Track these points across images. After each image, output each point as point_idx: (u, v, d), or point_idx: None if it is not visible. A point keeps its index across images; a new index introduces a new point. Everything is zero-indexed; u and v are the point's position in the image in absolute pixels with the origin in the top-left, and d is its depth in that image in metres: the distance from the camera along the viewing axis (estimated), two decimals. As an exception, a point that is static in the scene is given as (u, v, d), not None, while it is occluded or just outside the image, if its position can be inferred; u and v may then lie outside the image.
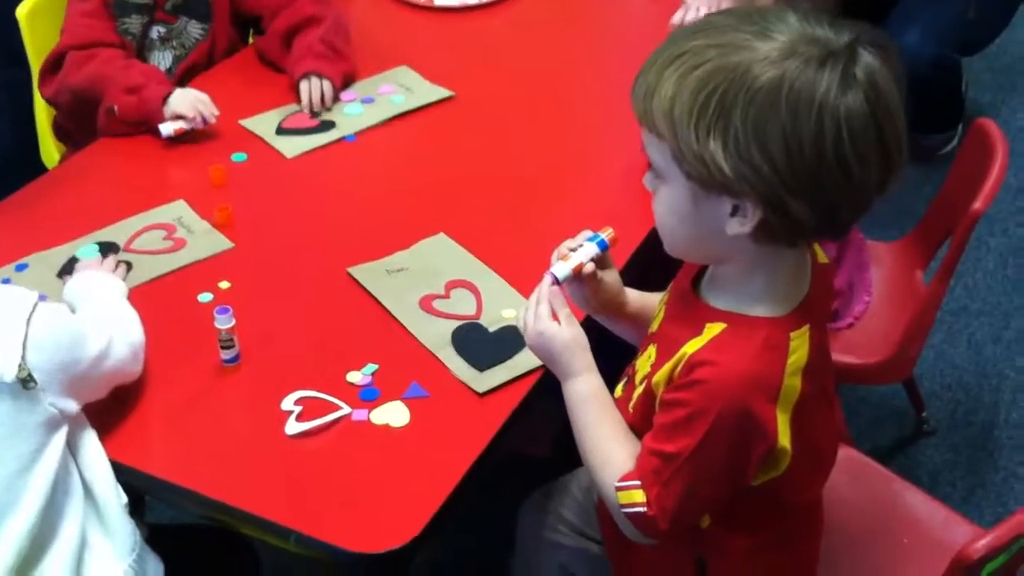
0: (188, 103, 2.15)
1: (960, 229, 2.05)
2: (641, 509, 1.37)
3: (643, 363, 1.46)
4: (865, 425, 2.59)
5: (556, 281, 1.47)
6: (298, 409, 1.59)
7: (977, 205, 2.01)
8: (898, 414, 2.65)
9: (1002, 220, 3.21)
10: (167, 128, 2.14)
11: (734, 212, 1.27)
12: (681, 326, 1.39)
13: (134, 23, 2.33)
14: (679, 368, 1.35)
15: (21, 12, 2.48)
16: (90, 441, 1.52)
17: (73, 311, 1.62)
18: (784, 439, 1.33)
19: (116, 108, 2.17)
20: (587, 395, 1.46)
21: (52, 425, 1.45)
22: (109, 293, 1.70)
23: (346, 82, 2.33)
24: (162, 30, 2.35)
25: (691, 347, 1.34)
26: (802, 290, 1.37)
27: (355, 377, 1.64)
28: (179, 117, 2.15)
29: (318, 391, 1.61)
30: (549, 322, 1.46)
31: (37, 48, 2.48)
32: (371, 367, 1.66)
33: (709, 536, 1.46)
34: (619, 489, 1.40)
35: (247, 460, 1.55)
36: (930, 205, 2.35)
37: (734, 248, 1.31)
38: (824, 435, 1.48)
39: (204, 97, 2.17)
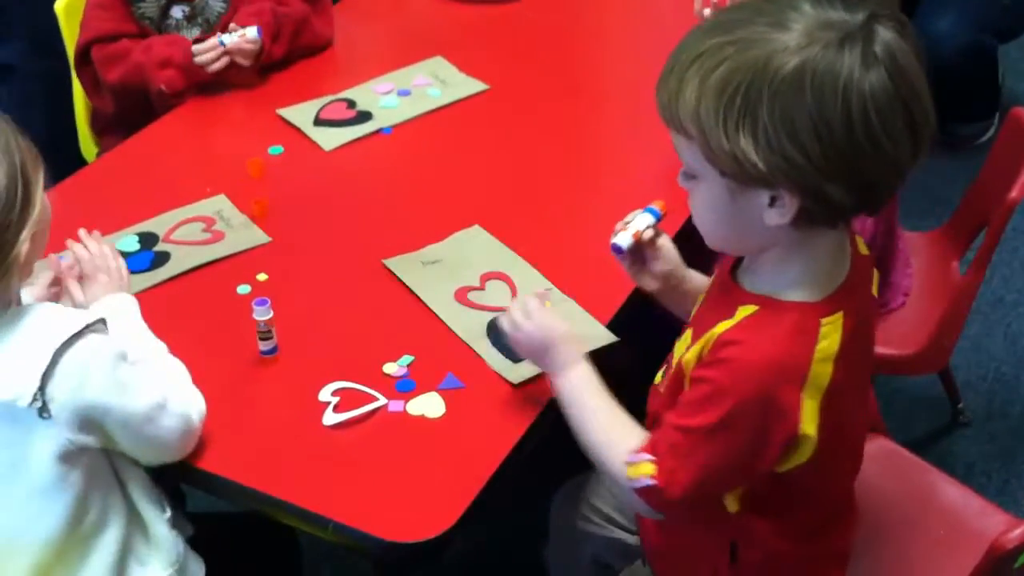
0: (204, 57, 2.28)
1: (996, 219, 2.05)
2: (650, 482, 1.38)
3: (679, 347, 1.47)
4: (900, 416, 2.58)
5: (619, 250, 1.51)
6: (335, 400, 1.60)
7: (1013, 194, 2.00)
8: (933, 405, 2.64)
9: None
10: (230, 38, 2.27)
11: (772, 203, 1.27)
12: (716, 309, 1.40)
13: (150, 6, 2.37)
14: (708, 347, 1.36)
15: (59, 6, 2.51)
16: (131, 462, 1.50)
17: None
18: (809, 426, 1.33)
19: (164, 87, 2.27)
20: (588, 380, 1.49)
21: (71, 456, 1.41)
22: (174, 365, 1.57)
23: (266, 67, 2.37)
24: (186, 9, 2.39)
25: (721, 327, 1.35)
26: (839, 277, 1.37)
27: (391, 368, 1.66)
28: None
29: (355, 382, 1.63)
30: (545, 313, 1.50)
31: (74, 41, 2.50)
32: (407, 358, 1.67)
33: (739, 522, 1.46)
34: (629, 464, 1.41)
35: (285, 450, 1.56)
36: (965, 195, 2.34)
37: (774, 237, 1.32)
38: (856, 425, 1.48)
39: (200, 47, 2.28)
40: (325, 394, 1.62)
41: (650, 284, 1.60)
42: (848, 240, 1.40)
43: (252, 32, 2.29)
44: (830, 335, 1.33)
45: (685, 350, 1.42)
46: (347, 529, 1.45)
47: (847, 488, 1.57)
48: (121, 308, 1.61)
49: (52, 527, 1.44)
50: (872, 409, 2.27)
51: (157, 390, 1.46)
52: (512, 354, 1.66)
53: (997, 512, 1.82)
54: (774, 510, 1.46)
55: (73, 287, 1.65)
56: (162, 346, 1.59)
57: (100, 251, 1.70)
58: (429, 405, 1.61)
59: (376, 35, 2.51)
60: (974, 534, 1.72)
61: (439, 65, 2.39)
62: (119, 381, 1.41)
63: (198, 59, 2.27)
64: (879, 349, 2.08)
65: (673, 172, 1.41)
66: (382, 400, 1.60)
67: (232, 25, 2.31)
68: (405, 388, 1.63)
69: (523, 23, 2.59)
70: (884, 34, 1.23)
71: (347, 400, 1.61)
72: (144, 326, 1.61)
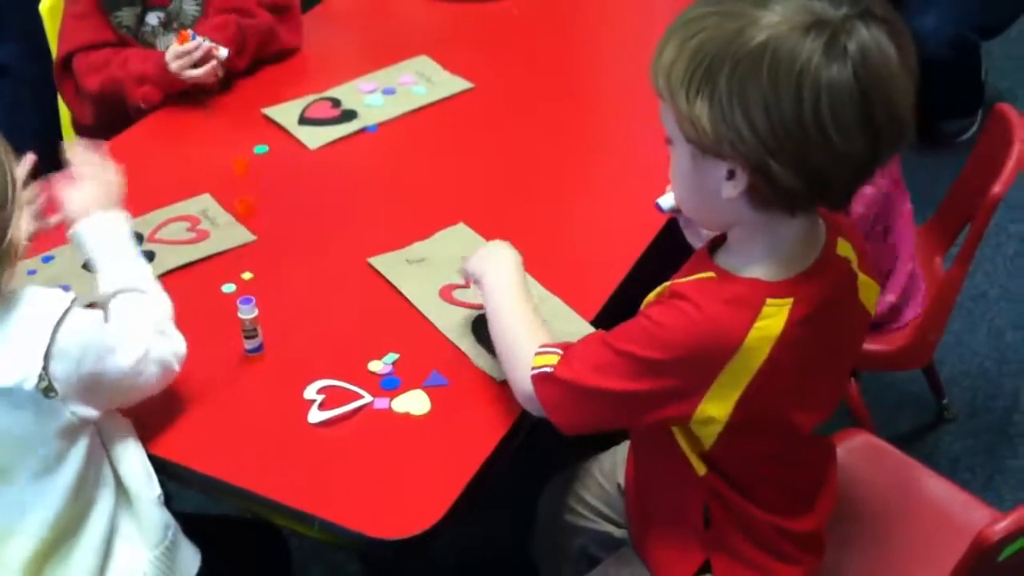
0: (176, 64, 2.24)
1: (980, 214, 2.06)
2: (547, 369, 1.45)
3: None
4: (885, 412, 2.59)
5: (660, 209, 1.56)
6: (320, 398, 1.61)
7: (996, 189, 2.01)
8: (918, 401, 2.65)
9: (1022, 206, 3.20)
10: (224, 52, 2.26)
11: (729, 176, 1.30)
12: (684, 271, 1.45)
13: (126, 15, 2.36)
14: (660, 293, 1.41)
15: (43, 7, 2.50)
16: (123, 432, 1.52)
17: (107, 310, 1.55)
18: (714, 408, 1.37)
19: (142, 103, 2.25)
20: (507, 286, 1.58)
21: (73, 430, 1.44)
22: (156, 302, 1.59)
23: (227, 75, 2.35)
24: (160, 15, 2.37)
25: (677, 281, 1.41)
26: (800, 266, 1.38)
27: (376, 366, 1.66)
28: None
29: (340, 380, 1.63)
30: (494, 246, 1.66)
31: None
32: (392, 356, 1.67)
33: (709, 484, 1.48)
34: (538, 353, 1.47)
35: (270, 448, 1.56)
36: (949, 191, 2.35)
37: (736, 212, 1.34)
38: (804, 421, 1.46)
39: (177, 48, 2.23)
40: (310, 392, 1.62)
41: (695, 243, 1.63)
42: (821, 234, 1.41)
43: (223, 52, 2.26)
44: (773, 317, 1.34)
45: None
46: (333, 526, 1.45)
47: (806, 478, 1.56)
48: (111, 231, 1.63)
49: (55, 505, 1.45)
50: (858, 404, 2.29)
51: (140, 343, 1.49)
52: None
53: (981, 506, 1.83)
54: (735, 478, 1.48)
55: (64, 196, 1.65)
56: (148, 276, 1.62)
57: (97, 158, 1.70)
58: (414, 402, 1.61)
59: (361, 34, 2.51)
60: (959, 528, 1.73)
61: (424, 64, 2.39)
62: (108, 346, 1.45)
63: (174, 64, 2.23)
64: (864, 345, 2.10)
65: (659, 168, 1.43)
66: (367, 398, 1.61)
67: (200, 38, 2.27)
68: (390, 386, 1.63)
69: (507, 21, 2.59)
70: (863, 32, 1.24)
71: (332, 398, 1.61)
72: (134, 251, 1.63)
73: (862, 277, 1.47)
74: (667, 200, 1.56)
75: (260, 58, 2.41)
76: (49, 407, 1.40)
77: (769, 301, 1.34)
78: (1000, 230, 3.12)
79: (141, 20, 2.37)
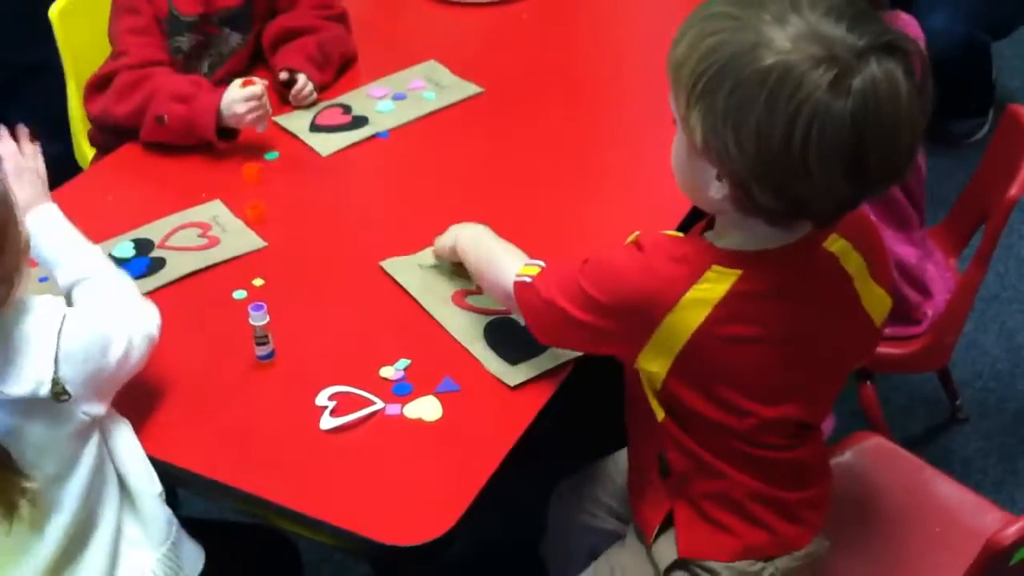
0: (244, 107, 2.11)
1: (996, 216, 2.05)
2: (527, 279, 1.54)
3: None
4: (897, 413, 2.58)
5: None
6: (332, 404, 1.61)
7: (1013, 191, 2.00)
8: (930, 402, 2.64)
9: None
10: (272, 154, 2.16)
11: (718, 177, 1.32)
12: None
13: (185, 41, 2.29)
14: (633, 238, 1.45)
15: (54, 12, 2.50)
16: (122, 433, 1.53)
17: (70, 295, 1.57)
18: (653, 365, 1.42)
19: (166, 117, 2.13)
20: (489, 231, 1.73)
21: (85, 431, 1.46)
22: (119, 282, 1.61)
23: (319, 89, 2.32)
24: (200, 38, 2.32)
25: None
26: (766, 246, 1.39)
27: (388, 372, 1.66)
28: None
29: (352, 386, 1.63)
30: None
31: (71, 46, 2.50)
32: (404, 362, 1.67)
33: (665, 429, 1.51)
34: (525, 264, 1.57)
35: (282, 455, 1.57)
36: (963, 192, 2.34)
37: (720, 207, 1.37)
38: (737, 391, 1.45)
39: (256, 90, 2.12)
40: (322, 398, 1.62)
41: None
42: (803, 230, 1.40)
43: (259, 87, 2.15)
44: (715, 282, 1.37)
45: None
46: (345, 533, 1.46)
47: (780, 459, 1.53)
48: (54, 223, 1.63)
49: (72, 509, 1.47)
50: (872, 407, 2.28)
51: (124, 327, 1.51)
52: (510, 357, 1.67)
53: (993, 509, 1.83)
54: (693, 430, 1.49)
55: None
56: (101, 259, 1.63)
57: (27, 149, 1.68)
58: (426, 408, 1.61)
59: (369, 40, 2.51)
60: (970, 531, 1.73)
61: (433, 68, 2.39)
62: (105, 340, 1.48)
63: (242, 107, 2.10)
64: (881, 348, 2.09)
65: (671, 173, 1.43)
66: (379, 404, 1.61)
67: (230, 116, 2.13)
68: (402, 392, 1.63)
69: (516, 25, 2.59)
70: (875, 69, 1.23)
71: (344, 404, 1.61)
72: (78, 236, 1.64)
73: (871, 285, 1.47)
74: None
75: (338, 68, 2.39)
76: (61, 411, 1.42)
77: (715, 267, 1.37)
78: (1012, 231, 3.11)
79: (199, 52, 2.32)
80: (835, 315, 1.47)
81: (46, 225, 1.62)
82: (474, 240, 1.72)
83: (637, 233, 1.45)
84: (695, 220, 1.54)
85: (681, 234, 1.46)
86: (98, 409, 1.47)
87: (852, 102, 1.21)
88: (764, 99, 1.22)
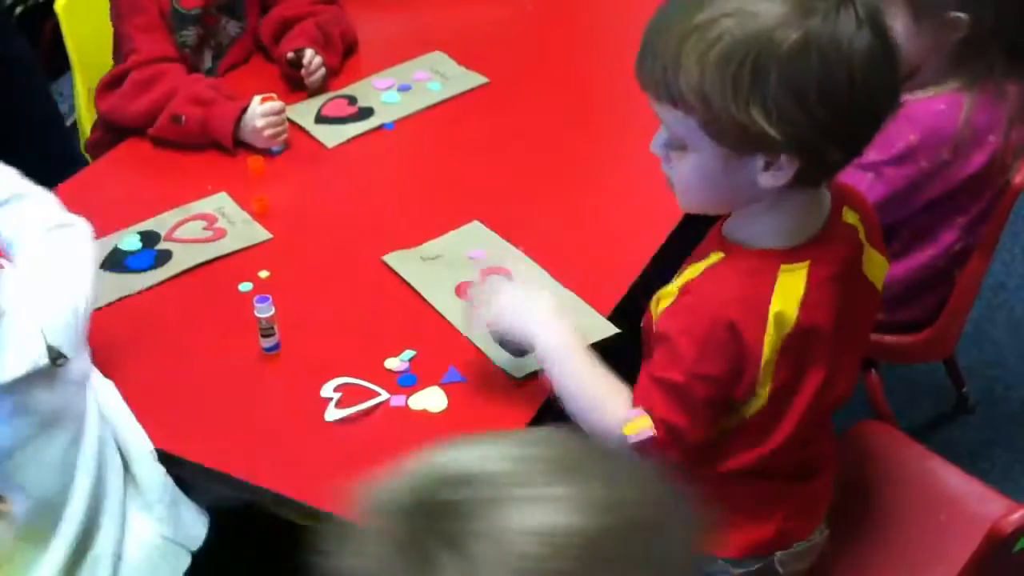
0: (263, 121, 2.11)
1: (1000, 205, 2.05)
2: (649, 433, 1.41)
3: None
4: (903, 402, 2.58)
5: None
6: (337, 396, 1.62)
7: (1017, 179, 2.00)
8: (936, 391, 2.64)
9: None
10: (277, 147, 2.15)
11: (766, 167, 1.31)
12: (697, 253, 1.46)
13: (190, 35, 2.30)
14: (670, 300, 1.41)
15: (59, 4, 2.50)
16: (108, 392, 1.56)
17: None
18: (769, 367, 1.37)
19: (184, 117, 2.13)
20: (565, 349, 1.50)
21: (82, 389, 1.49)
22: (43, 202, 1.61)
23: (329, 73, 2.32)
24: (200, 31, 2.34)
25: (690, 273, 1.42)
26: (809, 231, 1.40)
27: (393, 363, 1.67)
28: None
29: (357, 378, 1.64)
30: (509, 289, 1.57)
31: (76, 41, 2.50)
32: (409, 353, 1.68)
33: None
34: (626, 421, 1.43)
35: (288, 446, 1.57)
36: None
37: (758, 196, 1.35)
38: (822, 390, 1.45)
39: (276, 106, 2.13)
40: (327, 390, 1.63)
41: None
42: (825, 202, 1.42)
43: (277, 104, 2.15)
44: (792, 281, 1.36)
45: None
46: (350, 524, 1.46)
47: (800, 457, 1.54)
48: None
49: (88, 481, 1.48)
50: (877, 395, 2.28)
51: (79, 283, 1.53)
52: (515, 348, 1.67)
53: (998, 497, 1.82)
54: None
55: None
56: (17, 178, 1.62)
57: None
58: (431, 399, 1.62)
59: (374, 30, 2.51)
60: (975, 519, 1.72)
61: (438, 59, 2.39)
62: (72, 307, 1.49)
63: (262, 121, 2.10)
64: (887, 337, 2.10)
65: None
66: (384, 395, 1.61)
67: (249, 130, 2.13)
68: (407, 383, 1.64)
69: (521, 16, 2.59)
70: None
71: (349, 396, 1.62)
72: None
73: (869, 251, 1.48)
74: None
75: (344, 48, 2.40)
76: (62, 374, 1.44)
77: (784, 267, 1.36)
78: (1018, 219, 3.08)
79: (202, 43, 2.33)
80: (861, 287, 1.48)
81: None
82: (559, 364, 1.50)
83: (673, 288, 1.42)
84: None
85: (717, 255, 1.40)
86: (85, 361, 1.50)
87: (869, 29, 1.26)
88: (818, 66, 1.24)
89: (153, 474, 1.55)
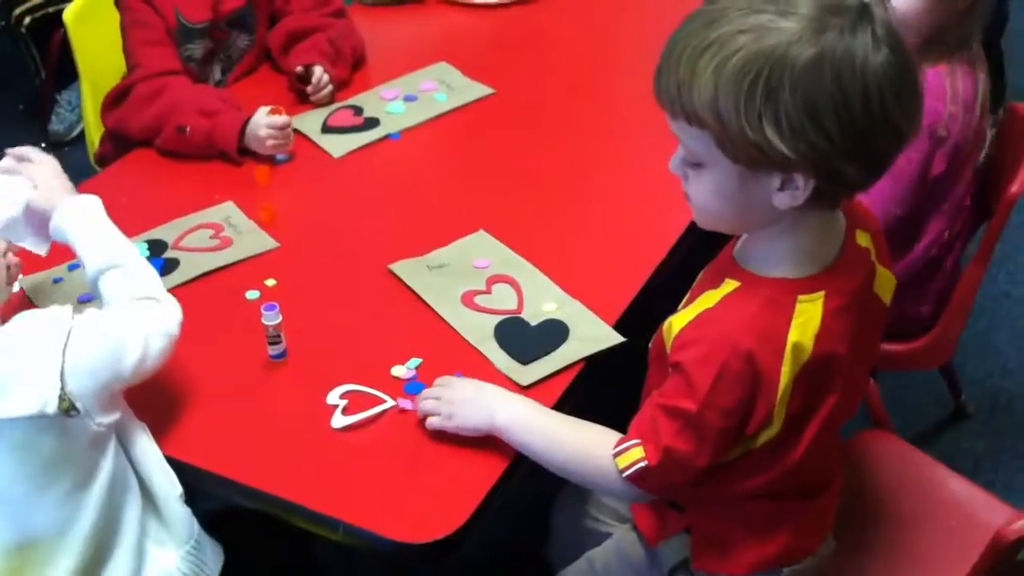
0: (266, 132, 2.13)
1: (998, 213, 2.06)
2: (641, 464, 1.42)
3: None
4: (907, 412, 2.59)
5: None
6: (344, 403, 1.62)
7: (1014, 188, 2.01)
8: (940, 401, 2.65)
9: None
10: (282, 155, 2.17)
11: (782, 186, 1.30)
12: (710, 277, 1.45)
13: (197, 48, 2.32)
14: (681, 328, 1.40)
15: (68, 15, 2.51)
16: (140, 435, 1.54)
17: (97, 291, 1.59)
18: (784, 399, 1.36)
19: (188, 128, 2.14)
20: (531, 411, 1.54)
21: (101, 440, 1.47)
22: (143, 275, 1.61)
23: (337, 87, 2.33)
24: (210, 44, 2.35)
25: (704, 302, 1.40)
26: (824, 258, 1.39)
27: (399, 371, 1.67)
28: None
29: (363, 385, 1.65)
30: (458, 382, 1.58)
31: (85, 52, 2.51)
32: (415, 361, 1.69)
33: None
34: (617, 455, 1.44)
35: (295, 453, 1.58)
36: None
37: (775, 216, 1.34)
38: (833, 416, 1.45)
39: (281, 120, 2.14)
40: (334, 397, 1.63)
41: None
42: (841, 225, 1.42)
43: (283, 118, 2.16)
44: (808, 312, 1.35)
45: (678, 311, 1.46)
46: (358, 531, 1.47)
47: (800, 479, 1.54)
48: (86, 212, 1.66)
49: (91, 517, 1.47)
50: (877, 405, 2.28)
51: (139, 332, 1.49)
52: (520, 356, 1.68)
53: (1002, 505, 1.83)
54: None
55: (35, 198, 1.68)
56: (129, 249, 1.64)
57: (35, 156, 1.73)
58: (437, 407, 1.62)
59: (380, 41, 2.53)
60: (979, 527, 1.73)
61: (444, 70, 2.41)
62: (117, 348, 1.46)
63: (266, 132, 2.13)
64: (884, 345, 2.09)
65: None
66: (390, 402, 1.62)
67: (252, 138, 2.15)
68: (413, 390, 1.64)
69: (527, 27, 2.61)
70: (880, 13, 1.27)
71: (356, 403, 1.62)
72: (106, 225, 1.66)
73: (879, 269, 1.48)
74: None
75: (353, 61, 2.41)
76: (74, 425, 1.42)
77: (801, 298, 1.35)
78: (1022, 229, 3.10)
79: (209, 57, 2.35)
80: (872, 306, 1.48)
81: (74, 216, 1.65)
82: (524, 432, 1.53)
83: (681, 318, 1.41)
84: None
85: (734, 283, 1.39)
86: (112, 417, 1.47)
87: (886, 46, 1.26)
88: (832, 84, 1.23)
89: (182, 515, 1.54)
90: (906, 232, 2.10)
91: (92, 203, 1.67)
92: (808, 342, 1.35)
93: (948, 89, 1.98)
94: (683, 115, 1.30)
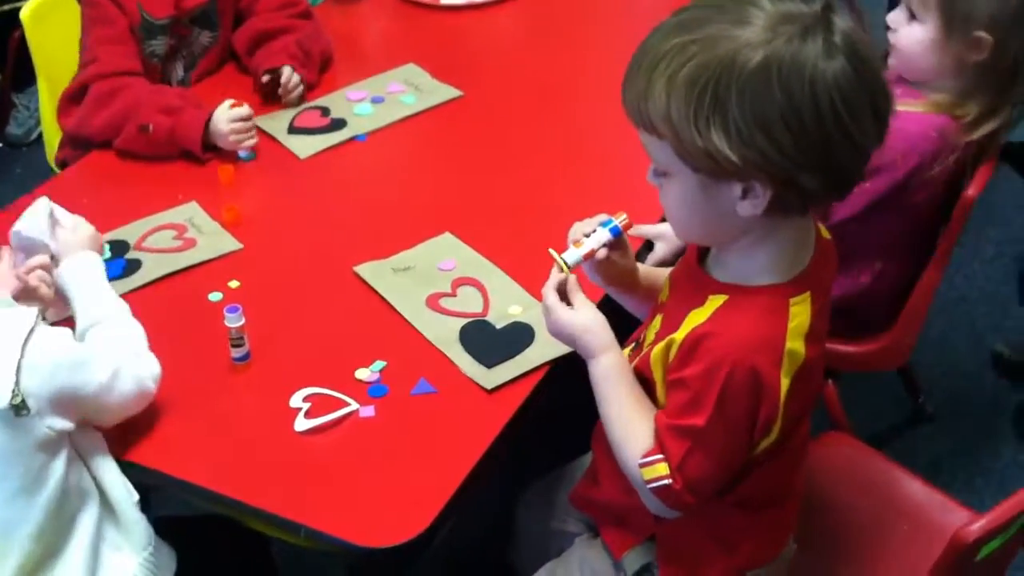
0: (228, 127, 2.12)
1: (954, 216, 2.07)
2: (666, 482, 1.41)
3: (650, 332, 1.51)
4: (865, 413, 2.58)
5: (566, 267, 1.51)
6: (307, 406, 1.62)
7: (970, 192, 2.02)
8: (898, 402, 2.67)
9: (1001, 208, 3.22)
10: (245, 153, 2.16)
11: (744, 195, 1.30)
12: (686, 297, 1.44)
13: (160, 44, 2.30)
14: (681, 345, 1.38)
15: (25, 14, 2.46)
16: (95, 446, 1.54)
17: (84, 332, 1.61)
18: (784, 406, 1.37)
19: (151, 127, 2.13)
20: (607, 373, 1.48)
21: (51, 444, 1.46)
22: (130, 328, 1.63)
23: (305, 89, 2.33)
24: (173, 41, 2.34)
25: (693, 319, 1.39)
26: (804, 259, 1.40)
27: (363, 374, 1.67)
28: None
29: (327, 388, 1.64)
30: (561, 310, 1.50)
31: (42, 50, 2.46)
32: (379, 364, 1.69)
33: None
34: (643, 466, 1.43)
35: (257, 456, 1.58)
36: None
37: (745, 226, 1.35)
38: (807, 407, 1.48)
39: (243, 112, 2.14)
40: (297, 400, 1.63)
41: (602, 285, 1.61)
42: (811, 224, 1.43)
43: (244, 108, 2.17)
44: (800, 314, 1.37)
45: (655, 337, 1.46)
46: (320, 535, 1.47)
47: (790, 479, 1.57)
48: (88, 270, 1.69)
49: (38, 519, 1.47)
50: (835, 405, 2.30)
51: (110, 360, 1.52)
52: (485, 359, 1.68)
53: (959, 508, 1.85)
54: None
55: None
56: (122, 310, 1.65)
57: (74, 223, 1.78)
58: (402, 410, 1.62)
59: (348, 42, 2.52)
60: (937, 529, 1.75)
61: (412, 72, 2.40)
62: (79, 360, 1.49)
63: (228, 126, 2.12)
64: (841, 346, 2.12)
65: (644, 178, 1.43)
66: (354, 405, 1.62)
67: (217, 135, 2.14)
68: (377, 393, 1.64)
69: (495, 29, 2.60)
70: (841, 24, 1.27)
71: (319, 406, 1.62)
72: (107, 288, 1.68)
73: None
74: (573, 255, 1.52)
75: (321, 63, 2.40)
76: (23, 424, 1.42)
77: (792, 301, 1.36)
78: (979, 235, 3.14)
79: (173, 53, 2.33)
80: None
81: (80, 269, 1.68)
82: (607, 385, 1.50)
83: (666, 345, 1.41)
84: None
85: (722, 298, 1.39)
86: (65, 425, 1.47)
87: (844, 55, 1.25)
88: (779, 92, 1.23)
89: (139, 521, 1.54)
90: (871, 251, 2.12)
91: (94, 259, 1.71)
92: (800, 347, 1.36)
93: (937, 143, 1.99)
94: (643, 126, 1.32)
